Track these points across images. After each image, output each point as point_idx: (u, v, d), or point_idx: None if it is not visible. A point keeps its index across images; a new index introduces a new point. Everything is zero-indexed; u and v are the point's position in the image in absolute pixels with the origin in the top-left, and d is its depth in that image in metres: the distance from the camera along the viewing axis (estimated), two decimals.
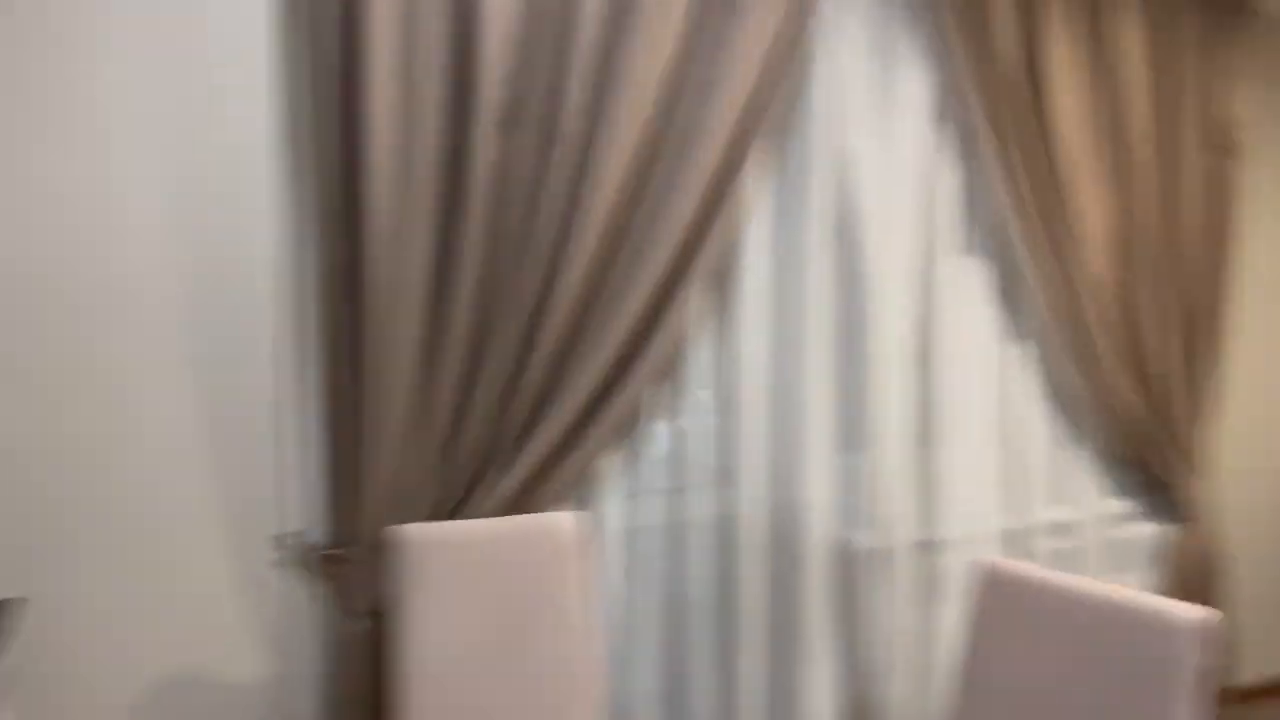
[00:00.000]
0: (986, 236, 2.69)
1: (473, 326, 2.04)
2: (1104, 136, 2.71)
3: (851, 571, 2.58)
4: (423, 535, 1.87)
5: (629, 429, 2.27)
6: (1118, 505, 3.04)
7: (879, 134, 2.52)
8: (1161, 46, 2.75)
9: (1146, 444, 2.88)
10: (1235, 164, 2.85)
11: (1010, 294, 2.76)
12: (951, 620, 2.69)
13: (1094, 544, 2.96)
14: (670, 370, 2.33)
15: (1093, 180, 2.69)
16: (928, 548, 2.68)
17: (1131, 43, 2.68)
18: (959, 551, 2.72)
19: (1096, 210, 2.72)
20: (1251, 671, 3.46)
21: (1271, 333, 3.32)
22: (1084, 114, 2.66)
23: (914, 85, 2.53)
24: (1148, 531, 3.08)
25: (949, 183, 2.60)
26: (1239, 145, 2.84)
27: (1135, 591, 1.61)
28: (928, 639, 2.68)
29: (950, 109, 2.58)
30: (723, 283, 2.38)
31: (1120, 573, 3.04)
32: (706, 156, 2.17)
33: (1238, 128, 2.83)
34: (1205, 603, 3.09)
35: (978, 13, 2.47)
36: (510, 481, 2.07)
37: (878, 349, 2.54)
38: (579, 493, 2.23)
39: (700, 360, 2.41)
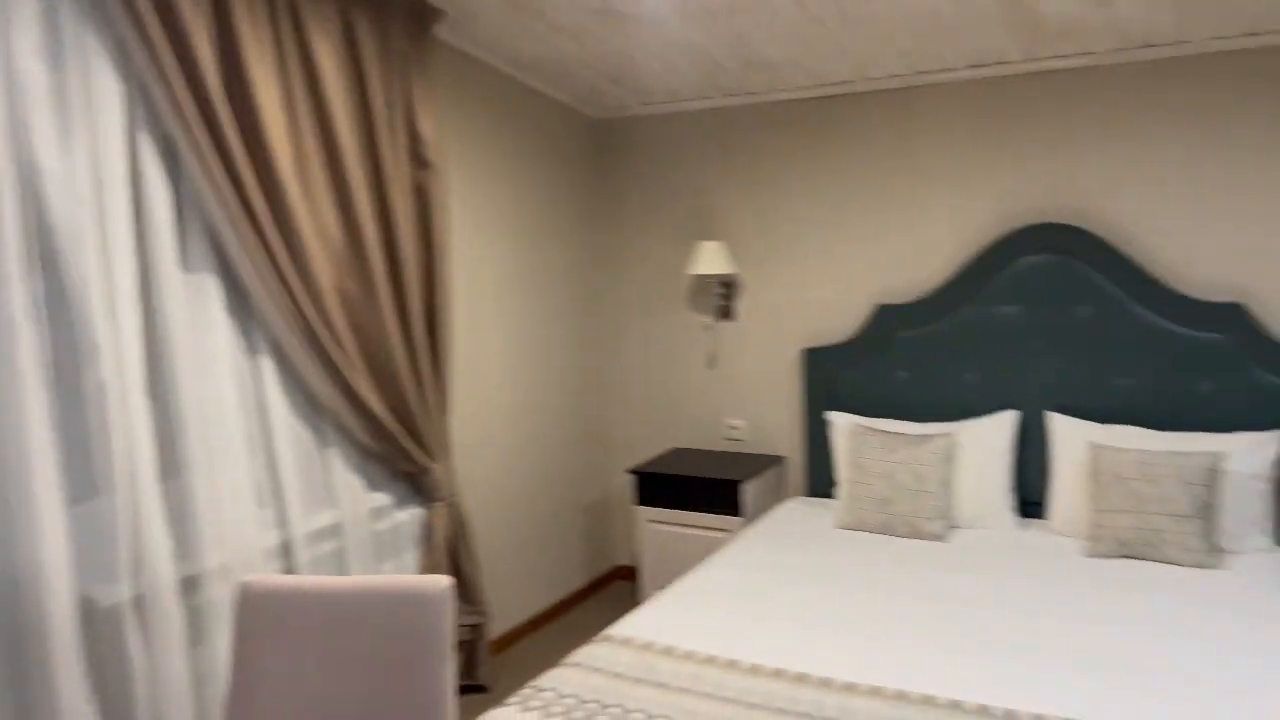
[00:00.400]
0: (209, 251, 2.59)
1: None
2: (316, 151, 2.81)
3: (104, 628, 2.28)
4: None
5: None
6: (379, 498, 3.22)
7: (74, 146, 2.24)
8: (357, 66, 2.95)
9: (394, 439, 3.10)
10: (436, 178, 3.21)
11: (245, 307, 2.72)
12: (226, 653, 2.56)
13: (362, 540, 3.09)
14: None
15: (311, 194, 2.78)
16: (192, 584, 2.51)
17: (328, 63, 2.82)
18: (228, 579, 2.60)
19: (319, 223, 2.82)
20: (503, 622, 4.01)
21: (476, 326, 3.83)
22: (291, 129, 2.72)
23: (109, 95, 2.31)
24: (408, 517, 3.33)
25: (162, 197, 2.44)
26: (437, 161, 3.20)
27: (386, 576, 1.70)
28: (201, 679, 2.52)
29: (149, 120, 2.42)
30: None
31: (391, 560, 3.24)
32: None
33: (434, 145, 3.19)
34: (460, 571, 3.47)
35: (173, 22, 2.35)
36: None
37: (104, 380, 2.28)
38: None
39: None
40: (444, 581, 1.66)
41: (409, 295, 3.12)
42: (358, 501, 3.08)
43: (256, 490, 2.73)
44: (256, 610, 1.69)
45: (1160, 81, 3.44)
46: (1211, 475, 3.05)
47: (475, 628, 3.51)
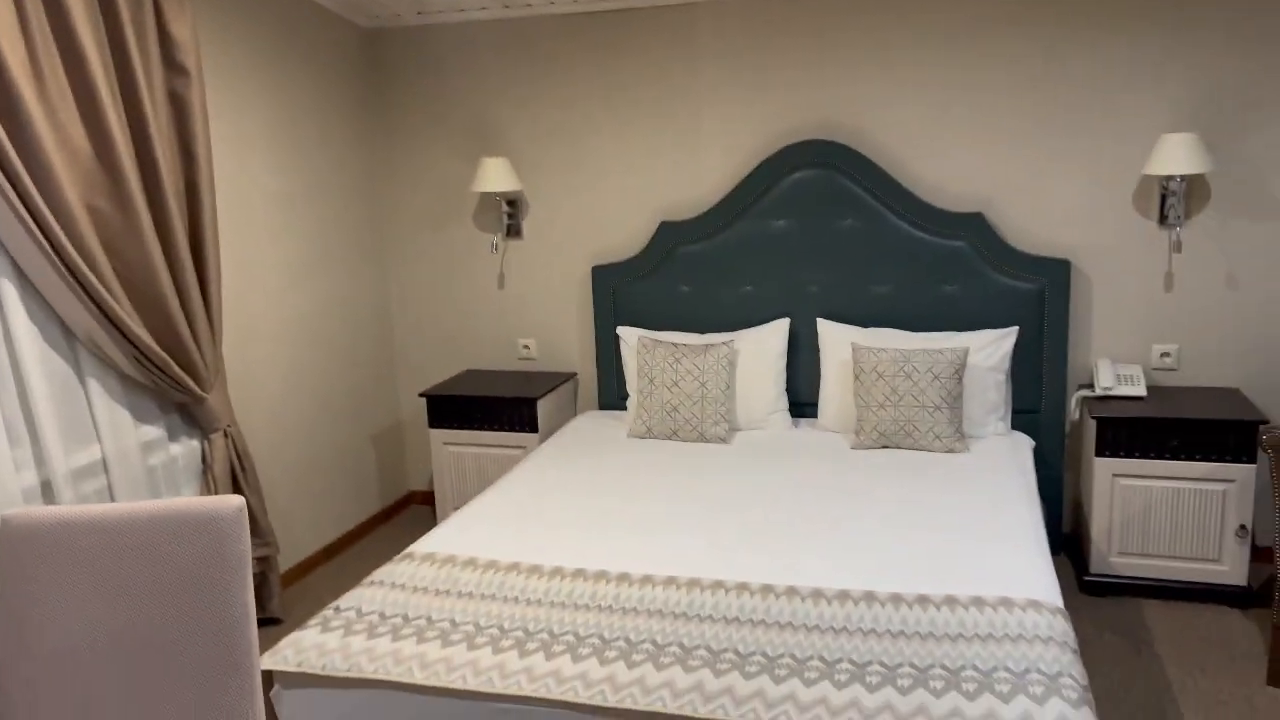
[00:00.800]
0: None
1: None
2: (51, 52, 2.53)
3: None
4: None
5: None
6: (150, 432, 3.02)
7: None
8: None
9: (163, 368, 2.90)
10: (192, 85, 2.96)
11: None
12: None
13: (133, 475, 2.89)
14: None
15: (48, 100, 2.51)
16: None
17: None
18: None
19: (62, 135, 2.55)
20: (293, 554, 3.89)
21: (247, 247, 3.62)
22: (21, 26, 2.43)
23: None
24: (183, 450, 3.14)
25: None
26: (193, 68, 2.96)
27: (170, 500, 1.62)
28: None
29: None
30: None
31: (168, 495, 3.06)
32: None
33: (189, 49, 2.93)
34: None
35: None
36: None
37: None
38: None
39: None
40: (236, 501, 1.60)
41: (169, 213, 2.89)
42: (125, 435, 2.87)
43: (6, 427, 2.49)
44: (21, 546, 1.56)
45: (917, 4, 3.68)
46: (958, 369, 3.39)
47: (263, 560, 3.39)
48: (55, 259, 2.51)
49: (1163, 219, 3.54)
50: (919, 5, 3.68)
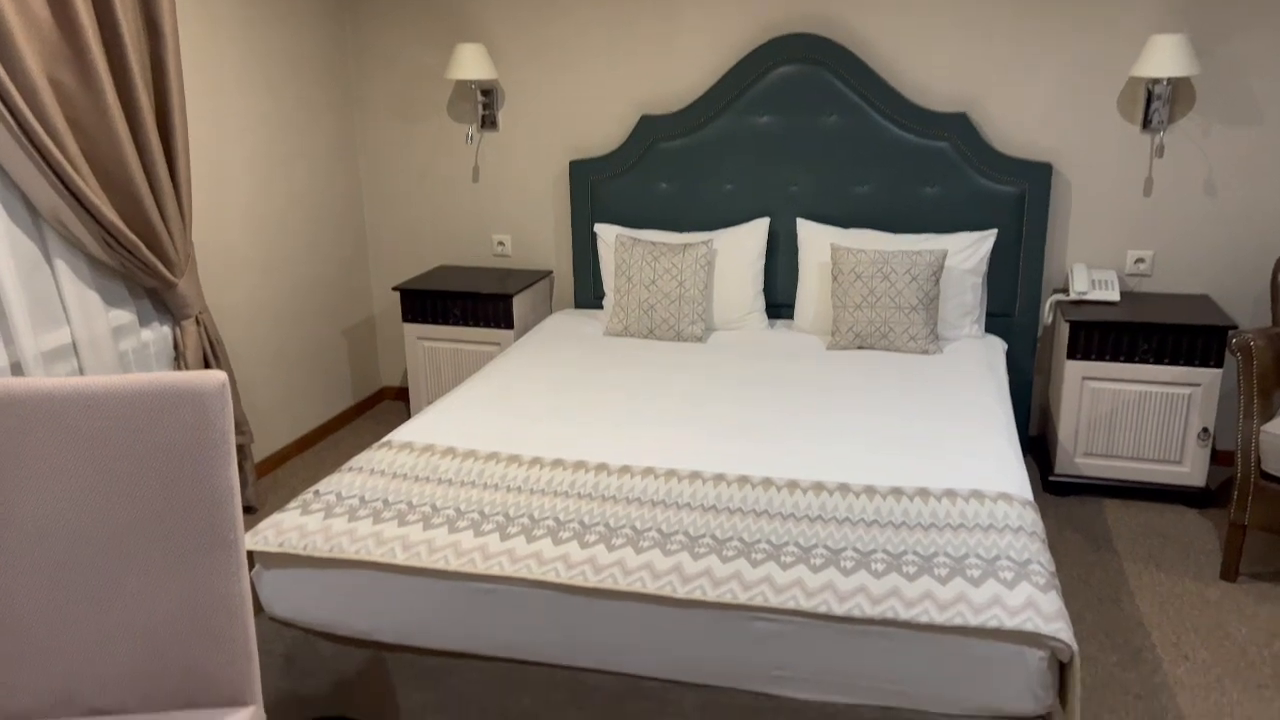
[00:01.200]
0: None
1: None
2: None
3: None
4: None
5: None
6: (120, 316, 2.96)
7: None
8: None
9: (132, 251, 2.83)
10: None
11: None
12: None
13: (105, 360, 2.85)
14: None
15: None
16: None
17: None
18: None
19: (23, 4, 2.43)
20: (266, 445, 3.88)
21: (217, 131, 3.51)
22: None
23: None
24: (154, 336, 3.09)
25: None
26: None
27: (151, 374, 1.59)
28: None
29: None
30: None
31: None
32: None
33: None
34: None
35: None
36: None
37: None
38: None
39: None
40: (218, 376, 1.58)
41: (135, 89, 2.78)
42: (95, 319, 2.81)
43: None
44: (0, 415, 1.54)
45: None
46: (935, 271, 3.39)
47: (239, 449, 3.38)
48: (17, 130, 2.41)
49: (1146, 123, 3.52)
50: None
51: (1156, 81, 3.44)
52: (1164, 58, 3.25)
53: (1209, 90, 3.45)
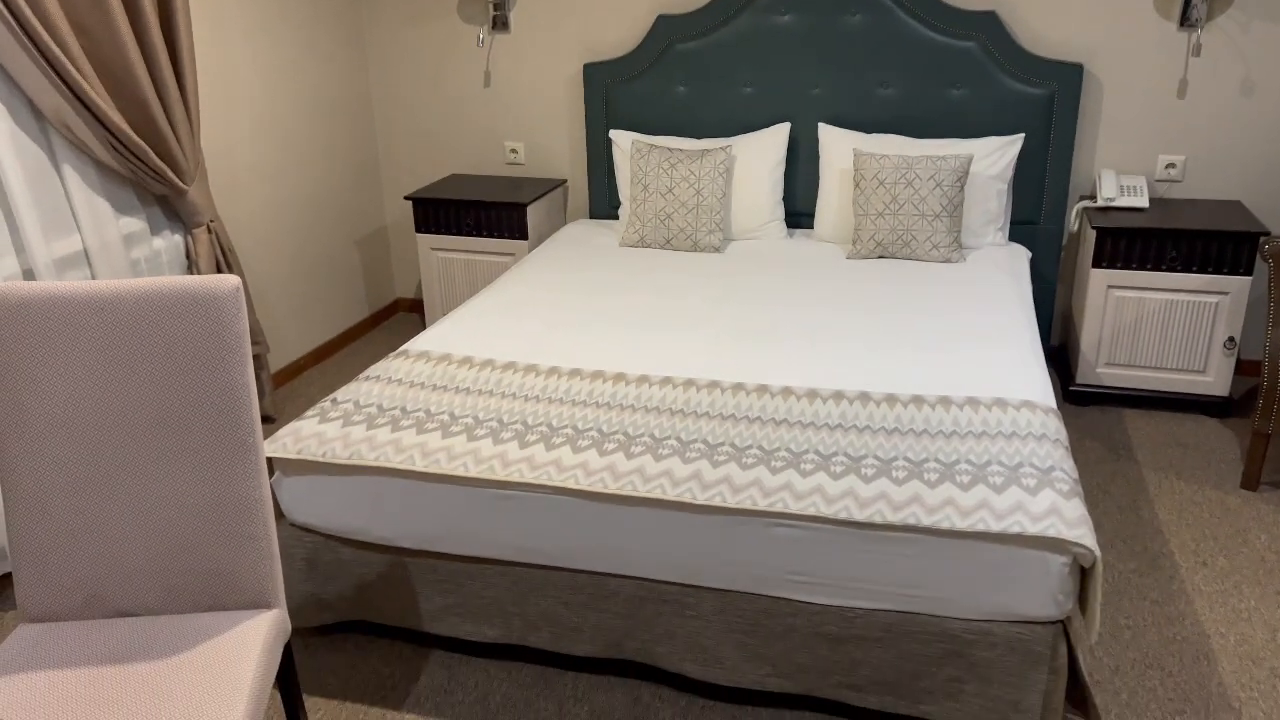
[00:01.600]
0: None
1: None
2: None
3: None
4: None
5: None
6: (132, 223, 2.93)
7: None
8: None
9: (141, 157, 2.78)
10: None
11: None
12: None
13: (117, 267, 2.83)
14: None
15: None
16: None
17: None
18: None
19: None
20: (280, 357, 3.88)
21: (222, 37, 3.41)
22: None
23: None
24: (166, 244, 3.06)
25: None
26: None
27: (166, 278, 1.57)
28: None
29: None
30: None
31: None
32: None
33: None
34: None
35: None
36: None
37: None
38: None
39: None
40: (232, 280, 1.55)
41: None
42: (105, 226, 2.78)
43: None
44: (15, 316, 1.52)
45: None
46: (960, 177, 3.31)
47: (255, 358, 3.38)
48: (20, 32, 2.34)
49: (1184, 20, 3.38)
50: None
51: None
52: None
53: None
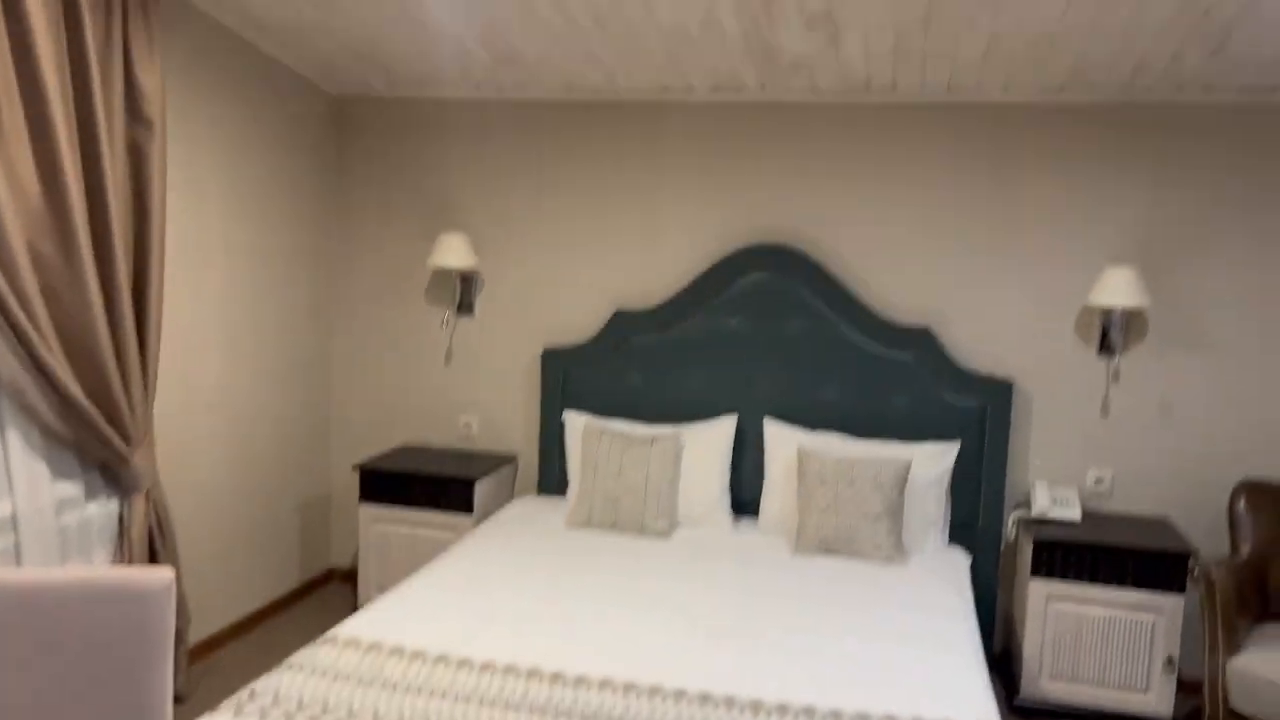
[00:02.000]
0: None
1: None
2: (14, 93, 2.46)
3: None
4: None
5: None
6: (66, 489, 2.86)
7: None
8: (70, 11, 2.61)
9: (89, 424, 2.77)
10: (154, 138, 2.90)
11: None
12: None
13: (44, 535, 2.73)
14: None
15: (3, 138, 2.43)
16: None
17: (36, 4, 2.48)
18: None
19: (12, 171, 2.47)
20: (202, 627, 3.68)
21: (195, 303, 3.51)
22: None
23: None
24: (99, 511, 2.98)
25: None
26: (157, 119, 2.90)
27: (95, 569, 1.52)
28: None
29: None
30: None
31: (77, 559, 2.88)
32: None
33: (154, 101, 2.89)
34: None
35: None
36: None
37: None
38: None
39: None
40: (166, 575, 1.50)
41: (115, 265, 2.80)
42: (39, 492, 2.71)
43: None
44: None
45: (878, 126, 3.81)
46: (900, 479, 3.40)
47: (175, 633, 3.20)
48: None
49: (1103, 347, 3.65)
50: (880, 129, 3.81)
51: (1111, 310, 3.59)
52: (1116, 288, 3.41)
53: (1162, 319, 3.61)
